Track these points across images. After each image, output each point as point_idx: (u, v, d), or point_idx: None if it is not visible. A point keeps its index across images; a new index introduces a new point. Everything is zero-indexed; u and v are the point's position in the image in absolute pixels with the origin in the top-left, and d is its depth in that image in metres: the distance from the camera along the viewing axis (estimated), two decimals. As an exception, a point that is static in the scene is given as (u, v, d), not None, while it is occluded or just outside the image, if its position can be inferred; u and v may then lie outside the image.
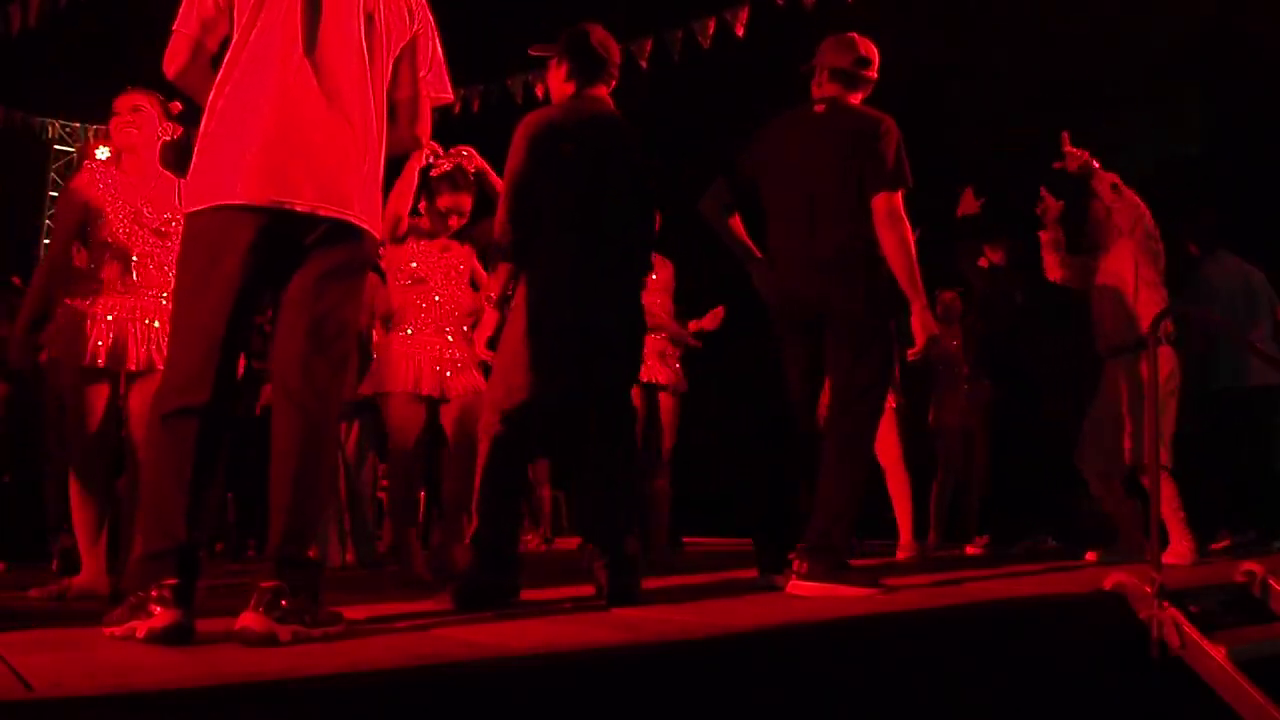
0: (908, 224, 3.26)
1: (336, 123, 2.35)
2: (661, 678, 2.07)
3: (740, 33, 7.18)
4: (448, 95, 2.62)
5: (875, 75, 3.52)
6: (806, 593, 3.07)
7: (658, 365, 4.85)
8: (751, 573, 3.48)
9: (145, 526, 2.28)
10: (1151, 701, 2.75)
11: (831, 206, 3.30)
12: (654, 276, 4.73)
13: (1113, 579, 2.90)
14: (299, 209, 2.29)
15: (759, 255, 3.53)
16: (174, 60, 2.39)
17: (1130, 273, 4.41)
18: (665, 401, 4.92)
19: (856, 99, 3.50)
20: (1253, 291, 5.33)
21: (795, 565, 3.13)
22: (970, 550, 5.50)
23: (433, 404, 4.05)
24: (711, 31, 7.30)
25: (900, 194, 3.27)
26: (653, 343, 4.69)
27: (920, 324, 3.27)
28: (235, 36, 2.36)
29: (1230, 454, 5.27)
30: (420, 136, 2.59)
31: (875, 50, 3.53)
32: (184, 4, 2.39)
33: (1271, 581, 3.15)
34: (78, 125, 12.52)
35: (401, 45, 2.51)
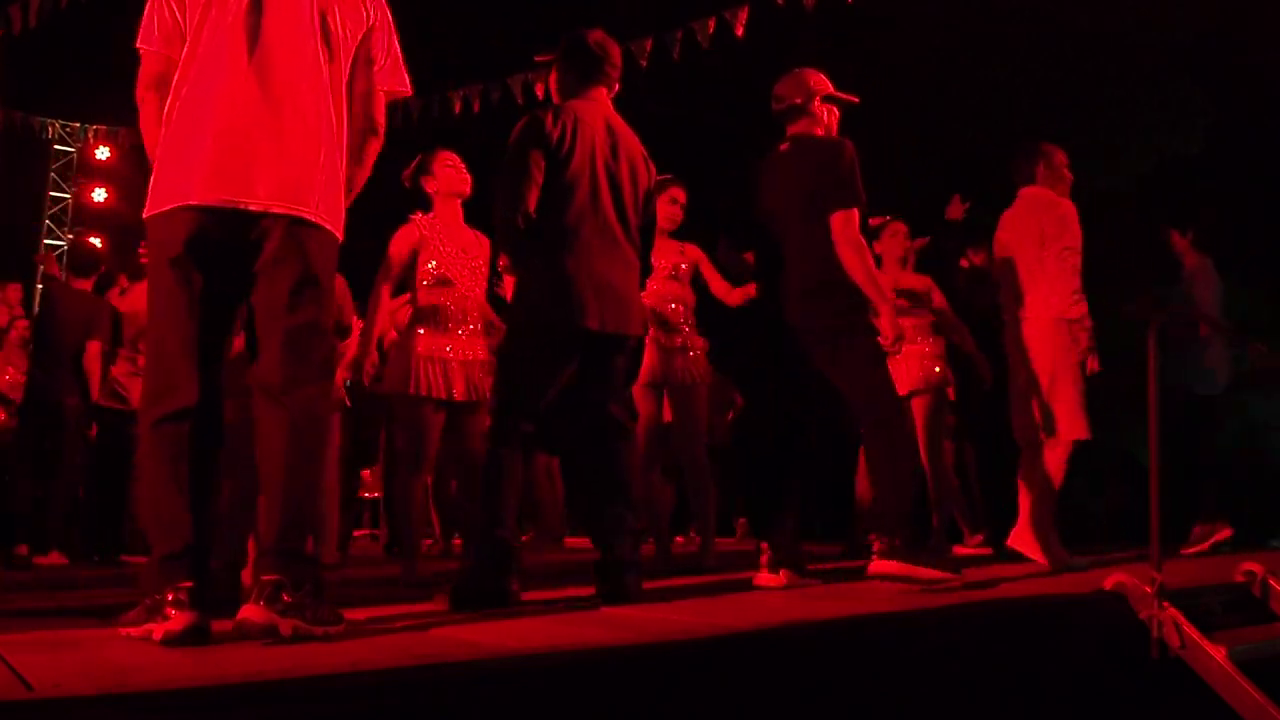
0: (862, 239, 3.42)
1: (289, 121, 2.35)
2: (662, 678, 2.07)
3: (740, 33, 7.18)
4: (405, 88, 2.60)
5: (823, 103, 3.64)
6: (887, 571, 3.18)
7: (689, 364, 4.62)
8: (750, 573, 3.49)
9: (152, 531, 2.30)
10: (1151, 701, 2.75)
11: (804, 240, 3.47)
12: (683, 267, 4.64)
13: (1113, 579, 2.90)
14: (253, 208, 2.30)
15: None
16: (145, 76, 2.39)
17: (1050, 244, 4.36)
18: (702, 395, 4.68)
19: (819, 129, 3.64)
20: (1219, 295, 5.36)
21: (875, 545, 3.25)
22: (967, 549, 5.48)
23: (451, 407, 4.05)
24: (711, 31, 7.29)
25: (855, 211, 3.43)
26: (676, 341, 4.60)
27: (889, 324, 3.44)
28: (186, 45, 2.37)
29: (1197, 457, 5.25)
30: (377, 125, 2.53)
31: (817, 78, 3.65)
32: (144, 19, 2.40)
33: (1271, 581, 3.15)
34: (78, 125, 12.49)
35: (357, 39, 2.50)
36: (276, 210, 2.31)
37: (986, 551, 5.23)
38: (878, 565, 3.21)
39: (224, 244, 2.30)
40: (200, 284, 2.30)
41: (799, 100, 3.62)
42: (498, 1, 9.15)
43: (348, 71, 2.48)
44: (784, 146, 3.63)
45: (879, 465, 3.38)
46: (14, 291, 7.11)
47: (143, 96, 2.41)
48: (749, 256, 3.84)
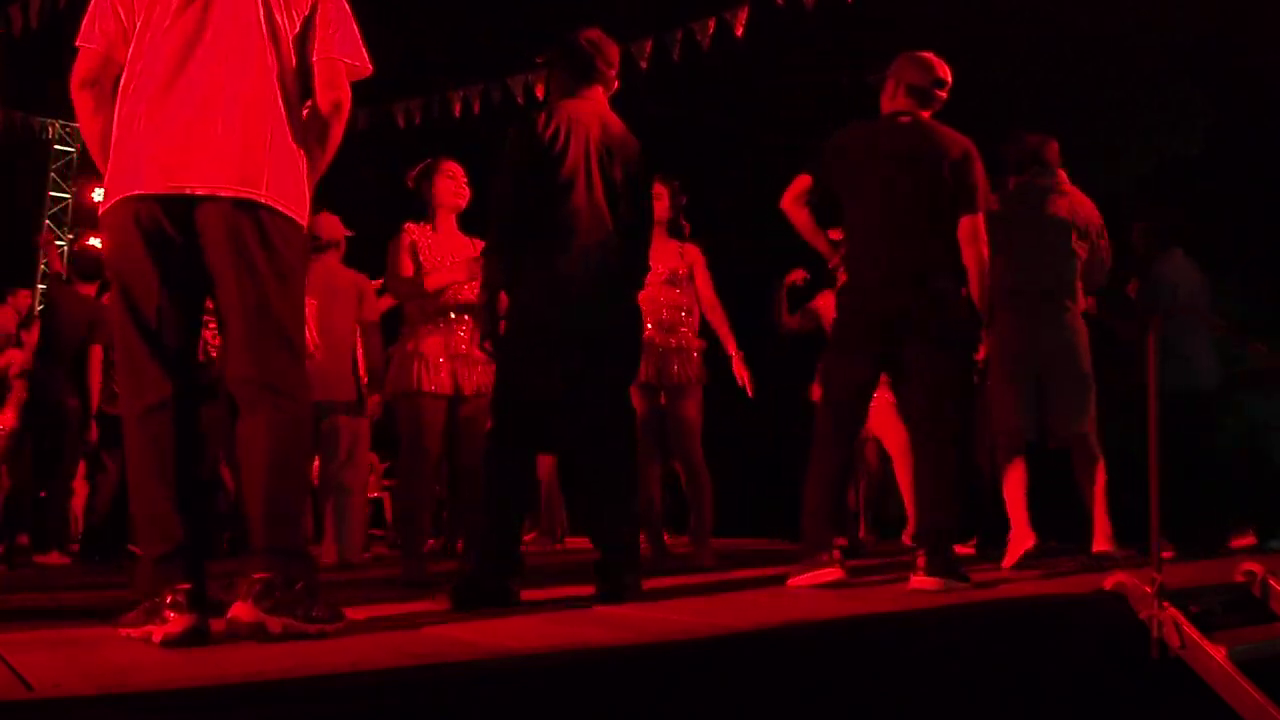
0: (986, 242, 3.41)
1: (234, 106, 2.33)
2: (662, 678, 2.07)
3: (740, 33, 7.18)
4: (364, 65, 2.53)
5: (946, 96, 3.61)
6: (930, 588, 3.15)
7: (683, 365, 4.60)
8: (749, 572, 3.49)
9: (142, 531, 2.28)
10: (1151, 701, 2.74)
11: (920, 222, 3.40)
12: (681, 271, 4.60)
13: (1113, 579, 2.90)
14: (199, 192, 2.29)
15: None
16: (78, 73, 2.38)
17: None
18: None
19: (927, 115, 3.58)
20: (1202, 290, 5.30)
21: (918, 562, 3.21)
22: (962, 549, 5.46)
23: (450, 404, 4.06)
24: (711, 31, 7.29)
25: (982, 215, 3.43)
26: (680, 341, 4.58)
27: (984, 333, 3.50)
28: (134, 40, 2.38)
29: (1182, 456, 5.20)
30: (336, 99, 2.46)
31: (950, 74, 3.61)
32: (86, 19, 2.40)
33: (1271, 581, 3.14)
34: (78, 125, 12.49)
35: (304, 17, 2.47)
36: (224, 194, 2.29)
37: (970, 552, 5.23)
38: (921, 581, 3.18)
39: (176, 231, 2.29)
40: (156, 275, 2.29)
41: (925, 84, 3.55)
42: (498, 1, 9.16)
43: (295, 53, 2.45)
44: (904, 119, 3.51)
45: (923, 479, 3.36)
46: (24, 298, 7.18)
47: (77, 96, 2.40)
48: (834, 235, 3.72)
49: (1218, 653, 2.64)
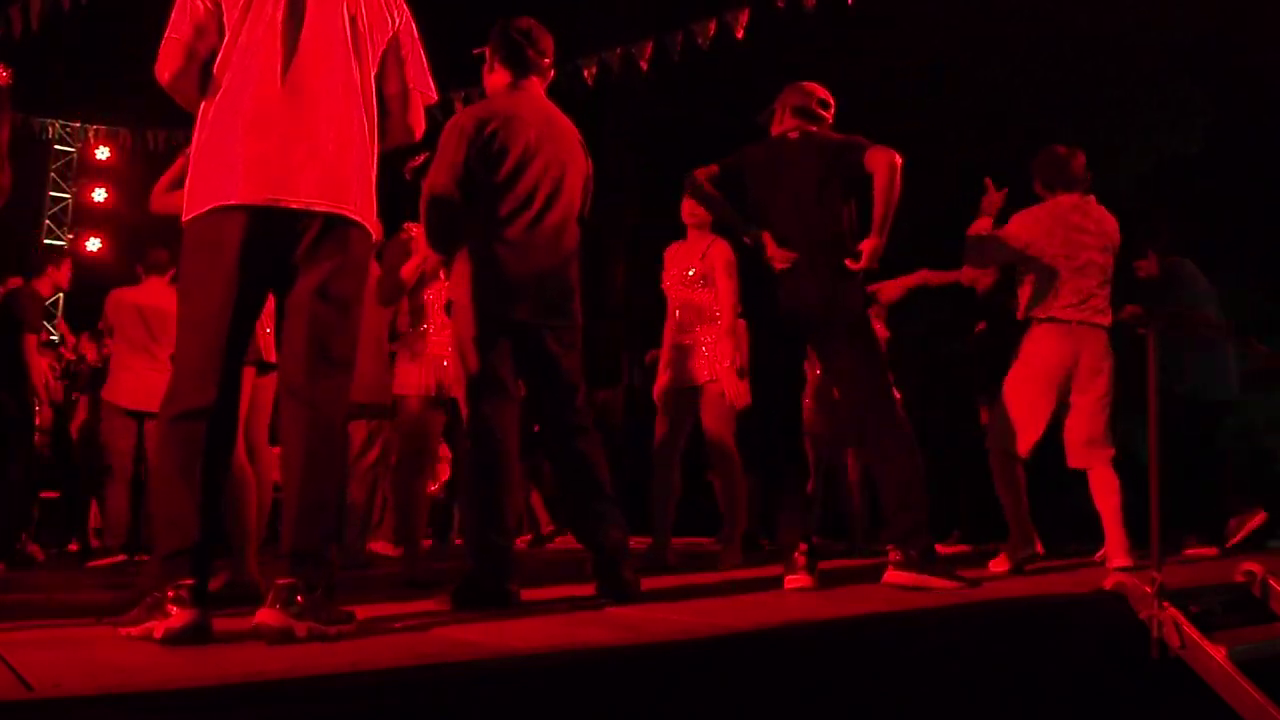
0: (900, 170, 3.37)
1: (324, 121, 2.38)
2: (662, 678, 2.07)
3: (740, 35, 7.19)
4: (431, 93, 2.63)
5: (830, 117, 3.70)
6: (902, 582, 3.15)
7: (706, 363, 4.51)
8: (749, 572, 3.48)
9: (158, 528, 2.30)
10: (1151, 701, 2.75)
11: (818, 225, 3.45)
12: (691, 273, 4.56)
13: (1113, 579, 2.91)
14: (294, 205, 2.33)
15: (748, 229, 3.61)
16: (167, 66, 2.39)
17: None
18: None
19: (814, 129, 3.64)
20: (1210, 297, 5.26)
21: (891, 555, 3.22)
22: (947, 548, 5.44)
23: (447, 404, 4.07)
24: (711, 33, 7.29)
25: (883, 148, 3.40)
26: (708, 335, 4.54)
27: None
28: (223, 44, 2.39)
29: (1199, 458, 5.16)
30: (413, 128, 2.60)
31: (831, 96, 3.73)
32: (175, 10, 2.41)
33: (1271, 581, 3.15)
34: (78, 125, 12.47)
35: (385, 42, 2.55)
36: (317, 208, 2.35)
37: (965, 549, 5.23)
38: (892, 575, 3.19)
39: (263, 244, 2.33)
40: (236, 287, 2.32)
41: (810, 105, 3.67)
42: (497, 1, 9.16)
43: (375, 74, 2.52)
44: (794, 135, 3.59)
45: (883, 471, 3.35)
46: None
47: (170, 93, 2.44)
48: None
49: (1218, 653, 2.64)
